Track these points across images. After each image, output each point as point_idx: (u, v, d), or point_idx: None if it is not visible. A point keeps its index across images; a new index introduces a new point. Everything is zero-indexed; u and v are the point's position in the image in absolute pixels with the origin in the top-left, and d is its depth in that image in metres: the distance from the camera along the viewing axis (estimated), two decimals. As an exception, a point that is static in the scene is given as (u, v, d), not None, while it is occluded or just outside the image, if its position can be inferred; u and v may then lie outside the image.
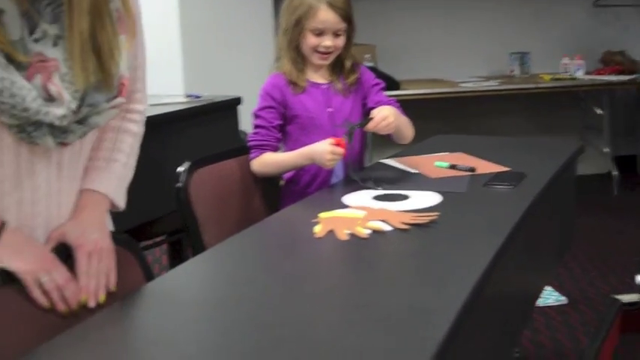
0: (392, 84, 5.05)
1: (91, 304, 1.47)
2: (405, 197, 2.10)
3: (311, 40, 2.37)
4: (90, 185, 1.56)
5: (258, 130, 2.41)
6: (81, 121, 1.43)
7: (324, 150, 2.21)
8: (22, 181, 1.42)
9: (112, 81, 1.46)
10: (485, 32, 6.01)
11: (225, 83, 4.22)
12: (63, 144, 1.43)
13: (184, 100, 3.65)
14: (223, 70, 4.44)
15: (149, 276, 1.65)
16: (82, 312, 1.45)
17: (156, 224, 3.08)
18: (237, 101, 3.65)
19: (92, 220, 1.53)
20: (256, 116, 2.43)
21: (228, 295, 1.51)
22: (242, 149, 2.48)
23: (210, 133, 3.45)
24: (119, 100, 1.50)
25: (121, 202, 1.61)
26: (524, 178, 2.28)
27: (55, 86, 1.38)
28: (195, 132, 3.37)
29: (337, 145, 2.20)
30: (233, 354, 1.22)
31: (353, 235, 1.77)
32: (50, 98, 1.37)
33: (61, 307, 1.43)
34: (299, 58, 2.41)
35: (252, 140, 2.42)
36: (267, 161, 2.39)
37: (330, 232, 1.80)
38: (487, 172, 2.38)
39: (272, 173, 2.44)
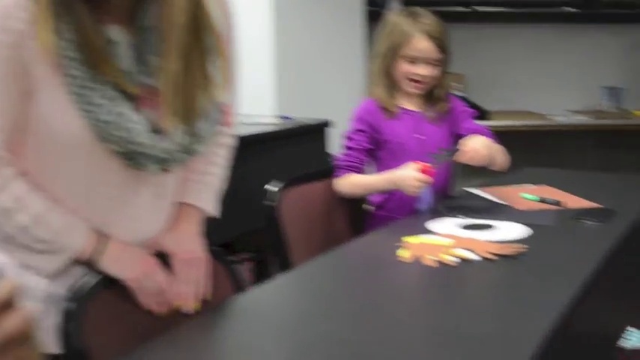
0: (481, 114, 5.04)
1: (186, 309, 1.54)
2: (492, 227, 2.11)
3: (404, 67, 2.41)
4: (186, 199, 1.63)
5: (347, 151, 2.46)
6: (184, 149, 1.48)
7: (409, 176, 2.24)
8: (127, 200, 1.49)
9: (216, 113, 1.51)
10: (578, 65, 5.94)
11: (316, 106, 4.29)
12: (165, 170, 1.50)
13: (276, 121, 3.73)
14: (315, 94, 4.52)
15: (238, 288, 1.71)
16: (176, 317, 1.52)
17: (241, 241, 3.16)
18: (325, 124, 3.71)
19: (187, 231, 1.60)
20: (347, 138, 2.48)
21: (313, 312, 1.55)
22: (330, 171, 2.53)
23: (299, 154, 3.52)
24: (222, 128, 1.56)
25: (215, 212, 1.67)
26: (614, 215, 2.26)
27: (167, 120, 1.42)
28: (284, 152, 3.44)
29: (423, 171, 2.23)
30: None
31: (438, 262, 1.80)
32: (158, 130, 1.43)
33: (159, 310, 1.50)
34: (391, 84, 2.46)
35: (340, 161, 2.47)
36: (352, 182, 2.44)
37: (415, 258, 1.82)
38: (575, 207, 2.37)
39: (356, 194, 2.48)
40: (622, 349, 3.15)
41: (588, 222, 2.19)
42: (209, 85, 1.47)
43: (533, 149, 5.83)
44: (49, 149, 1.41)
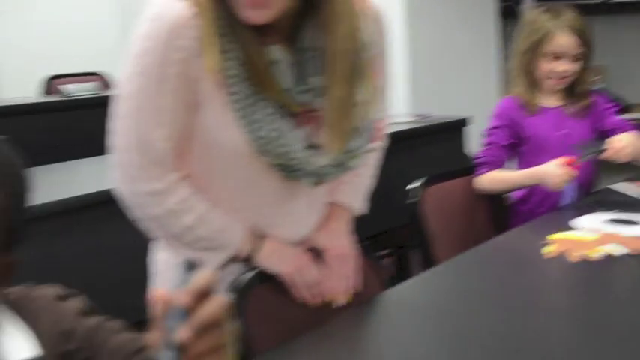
0: (622, 107, 4.92)
1: (338, 303, 1.60)
2: (638, 223, 2.08)
3: (546, 64, 2.40)
4: (338, 198, 1.69)
5: (487, 147, 2.47)
6: (338, 165, 1.54)
7: (555, 172, 2.23)
8: (282, 208, 1.57)
9: (369, 129, 1.56)
10: None
11: (450, 104, 4.30)
12: (319, 183, 1.56)
13: (412, 118, 3.76)
14: (449, 91, 4.53)
15: (385, 284, 1.76)
16: (328, 311, 1.59)
17: (381, 238, 3.21)
18: (463, 122, 3.71)
19: (338, 228, 1.67)
20: (487, 134, 2.49)
21: (460, 307, 1.59)
22: (470, 169, 2.55)
23: (436, 152, 3.54)
24: (375, 144, 1.62)
25: (363, 210, 1.73)
26: None
27: (322, 137, 1.49)
28: (422, 151, 3.47)
29: (568, 165, 2.22)
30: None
31: (585, 258, 1.79)
32: (315, 147, 1.49)
33: (312, 302, 1.57)
34: (532, 81, 2.45)
35: (480, 157, 2.48)
36: (494, 178, 2.45)
37: (560, 254, 1.83)
38: None
39: (498, 190, 2.49)
40: None
41: None
42: (366, 105, 1.52)
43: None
44: (212, 157, 1.51)
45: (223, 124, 1.46)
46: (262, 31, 1.44)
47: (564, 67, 2.39)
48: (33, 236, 0.98)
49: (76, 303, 1.13)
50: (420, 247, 2.37)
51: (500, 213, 2.58)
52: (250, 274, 1.54)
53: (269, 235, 1.57)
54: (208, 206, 1.53)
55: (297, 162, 1.48)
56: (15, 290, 1.07)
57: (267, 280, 1.55)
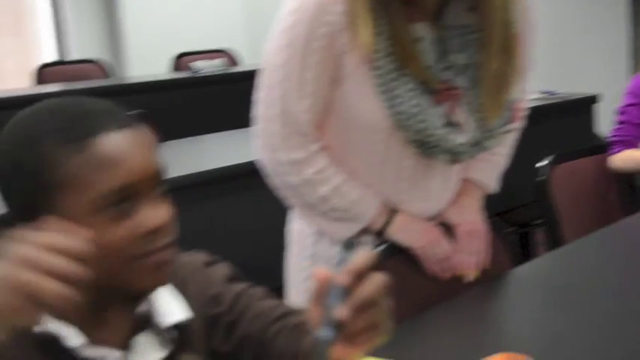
0: None
1: (468, 278, 1.61)
2: None
3: None
4: (472, 174, 1.69)
5: (621, 126, 2.42)
6: (474, 144, 1.55)
7: None
8: (416, 183, 1.59)
9: (510, 109, 1.56)
10: None
11: (578, 82, 4.20)
12: (455, 161, 1.57)
13: (539, 95, 3.70)
14: (576, 68, 4.43)
15: (514, 261, 1.76)
16: (457, 286, 1.60)
17: (507, 215, 3.18)
18: (592, 99, 3.62)
19: (470, 205, 1.67)
20: (621, 112, 2.44)
21: (589, 286, 1.57)
22: (600, 148, 2.50)
23: (564, 130, 3.47)
24: (513, 125, 1.61)
25: (494, 187, 1.73)
26: None
27: (462, 114, 1.51)
28: (548, 128, 3.41)
29: None
30: (601, 344, 1.29)
31: None
32: (453, 125, 1.51)
33: (443, 276, 1.59)
34: None
35: (614, 136, 2.43)
36: (628, 157, 2.40)
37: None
38: None
39: (631, 170, 2.43)
40: None
41: None
42: (513, 82, 1.53)
43: None
44: (349, 131, 1.55)
45: (364, 98, 1.50)
46: (410, 9, 1.47)
47: None
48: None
49: (222, 269, 1.19)
50: (546, 226, 2.35)
51: (632, 194, 2.53)
52: (382, 247, 1.57)
53: (401, 210, 1.60)
54: (344, 178, 1.56)
55: (435, 139, 1.50)
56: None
57: (398, 253, 1.58)
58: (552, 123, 3.45)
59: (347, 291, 0.84)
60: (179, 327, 1.08)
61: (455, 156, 1.54)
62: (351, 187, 1.57)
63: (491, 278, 1.63)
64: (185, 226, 1.11)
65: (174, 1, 5.81)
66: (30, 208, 0.99)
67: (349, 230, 1.59)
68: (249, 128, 2.91)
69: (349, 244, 0.89)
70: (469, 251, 1.62)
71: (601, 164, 2.47)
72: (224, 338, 1.15)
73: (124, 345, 1.03)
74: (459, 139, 1.52)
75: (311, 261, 1.65)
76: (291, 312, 1.17)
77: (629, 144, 2.40)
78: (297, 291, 1.69)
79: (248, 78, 4.22)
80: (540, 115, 3.42)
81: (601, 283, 1.59)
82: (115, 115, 1.01)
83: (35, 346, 0.99)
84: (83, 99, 1.04)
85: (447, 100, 1.50)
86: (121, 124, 1.00)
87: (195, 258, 1.18)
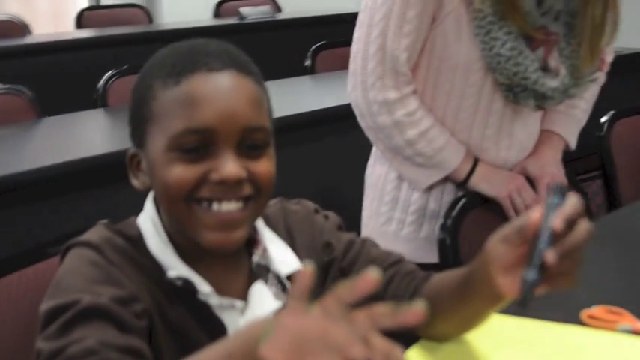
0: None
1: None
2: None
3: None
4: (550, 127, 1.72)
5: None
6: (564, 90, 1.58)
7: None
8: (502, 129, 1.62)
9: (598, 58, 1.59)
10: None
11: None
12: (540, 107, 1.60)
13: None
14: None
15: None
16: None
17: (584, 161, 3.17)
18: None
19: (550, 156, 1.70)
20: None
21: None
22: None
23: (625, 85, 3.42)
24: (598, 74, 1.63)
25: (574, 144, 1.74)
26: None
27: (555, 60, 1.55)
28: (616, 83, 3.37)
29: None
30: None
31: None
32: (547, 70, 1.54)
33: None
34: None
35: None
36: None
37: None
38: None
39: None
40: None
41: None
42: (607, 32, 1.56)
43: None
44: (441, 73, 1.58)
45: (462, 38, 1.53)
46: None
47: None
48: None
49: (332, 217, 1.21)
50: (605, 183, 2.35)
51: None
52: (468, 197, 1.59)
53: (483, 159, 1.61)
54: (433, 123, 1.59)
55: (529, 82, 1.53)
56: (272, 204, 1.14)
57: (482, 203, 1.60)
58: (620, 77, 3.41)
59: (555, 235, 0.89)
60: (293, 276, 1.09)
61: (543, 101, 1.57)
62: (438, 133, 1.59)
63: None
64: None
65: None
66: (135, 135, 1.04)
67: (430, 178, 1.62)
68: (300, 77, 2.91)
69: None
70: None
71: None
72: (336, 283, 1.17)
73: (243, 295, 1.06)
74: (552, 83, 1.55)
75: (390, 206, 1.67)
76: (402, 259, 1.19)
77: None
78: (375, 236, 1.72)
79: (297, 25, 4.27)
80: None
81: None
82: (223, 58, 1.00)
83: (172, 289, 1.02)
84: (210, 40, 1.05)
85: (542, 45, 1.53)
86: (221, 65, 0.99)
87: (303, 206, 1.19)
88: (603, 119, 2.33)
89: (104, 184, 2.16)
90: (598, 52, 1.57)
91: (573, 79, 1.57)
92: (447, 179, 1.63)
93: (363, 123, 1.64)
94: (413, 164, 1.61)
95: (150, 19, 4.93)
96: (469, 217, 1.59)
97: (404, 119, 1.57)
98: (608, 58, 1.70)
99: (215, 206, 0.98)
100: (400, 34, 1.54)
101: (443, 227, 1.58)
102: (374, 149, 1.73)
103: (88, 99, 2.87)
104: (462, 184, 1.63)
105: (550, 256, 0.89)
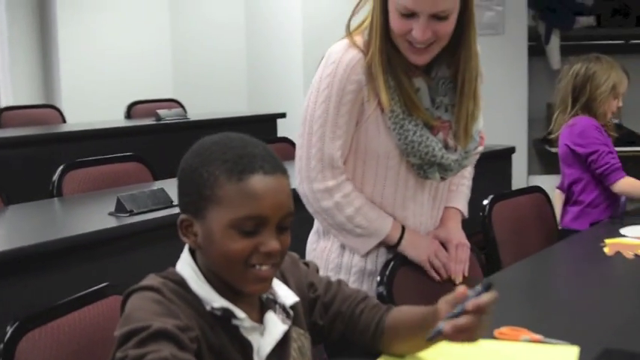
0: (635, 139, 5.45)
1: (457, 281, 2.11)
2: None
3: (611, 103, 3.14)
4: (451, 204, 2.22)
5: (607, 156, 3.12)
6: (460, 161, 2.08)
7: None
8: (415, 200, 2.09)
9: (477, 137, 2.10)
10: None
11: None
12: (443, 179, 2.09)
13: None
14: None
15: (483, 272, 2.28)
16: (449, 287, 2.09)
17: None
18: (512, 150, 4.25)
19: (455, 226, 2.19)
20: (597, 146, 3.11)
21: (548, 288, 2.11)
22: (530, 189, 3.07)
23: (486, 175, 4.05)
24: (480, 148, 2.16)
25: (467, 213, 2.26)
26: None
27: (451, 140, 2.04)
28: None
29: None
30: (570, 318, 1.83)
31: (636, 256, 2.33)
32: (447, 148, 2.03)
33: (440, 280, 2.09)
34: (595, 113, 3.17)
35: (608, 165, 3.09)
36: (633, 184, 3.10)
37: (617, 253, 2.36)
38: None
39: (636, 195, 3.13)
40: None
41: None
42: (477, 117, 2.08)
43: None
44: (366, 162, 2.04)
45: (381, 134, 2.01)
46: (409, 68, 1.99)
47: (620, 103, 3.08)
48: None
49: (312, 264, 1.64)
50: (488, 253, 2.85)
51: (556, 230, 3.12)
52: (397, 258, 2.06)
53: (406, 225, 2.08)
54: (364, 201, 2.05)
55: (436, 158, 2.00)
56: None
57: (410, 262, 2.08)
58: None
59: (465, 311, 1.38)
60: (292, 307, 1.49)
61: (445, 173, 2.06)
62: (369, 208, 2.05)
63: (470, 282, 2.14)
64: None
65: (109, 58, 6.12)
66: (191, 207, 1.40)
67: (368, 244, 2.06)
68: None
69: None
70: (459, 260, 2.13)
71: (530, 202, 3.04)
72: (321, 315, 1.59)
73: (259, 321, 1.45)
74: (453, 157, 2.04)
75: (335, 271, 2.10)
76: (368, 295, 1.63)
77: (622, 169, 3.07)
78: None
79: (205, 126, 4.70)
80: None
81: (553, 284, 2.13)
82: (269, 160, 1.38)
83: (212, 319, 1.39)
84: (245, 140, 1.42)
85: (440, 130, 2.03)
86: (272, 169, 1.37)
87: (289, 256, 1.57)
88: (485, 202, 2.87)
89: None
90: (472, 133, 2.05)
91: (465, 154, 2.07)
92: (380, 244, 2.08)
93: (310, 209, 2.07)
94: (354, 235, 2.06)
95: (63, 118, 5.24)
96: (400, 273, 2.06)
97: (342, 200, 2.03)
98: (483, 137, 2.18)
99: (260, 267, 1.39)
100: (334, 137, 2.00)
101: (380, 283, 2.03)
102: (313, 231, 2.16)
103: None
104: (393, 247, 2.08)
105: (447, 324, 1.38)
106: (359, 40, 1.99)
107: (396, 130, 1.99)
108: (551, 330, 1.67)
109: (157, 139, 4.43)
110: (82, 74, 5.92)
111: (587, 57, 3.18)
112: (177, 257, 1.45)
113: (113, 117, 5.29)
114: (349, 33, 2.01)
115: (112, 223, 2.59)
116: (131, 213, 2.64)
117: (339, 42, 2.02)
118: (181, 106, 5.43)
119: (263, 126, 5.11)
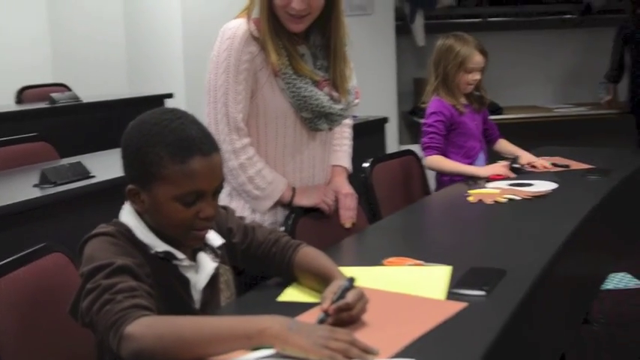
0: (496, 109, 5.99)
1: (348, 226, 2.49)
2: (530, 185, 3.01)
3: (465, 76, 3.42)
4: (337, 162, 2.59)
5: (432, 135, 3.37)
6: (344, 113, 2.46)
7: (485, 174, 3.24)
8: (308, 151, 2.44)
9: (353, 92, 2.48)
10: (578, 64, 6.85)
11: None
12: (330, 129, 2.46)
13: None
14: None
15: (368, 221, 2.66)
16: (343, 232, 2.46)
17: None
18: (385, 120, 4.66)
19: (342, 180, 2.57)
20: (429, 125, 3.40)
21: (420, 229, 2.54)
22: (402, 153, 3.48)
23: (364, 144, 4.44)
24: (357, 100, 2.53)
25: (351, 169, 2.63)
26: (609, 173, 3.15)
27: (335, 93, 2.41)
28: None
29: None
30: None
31: (494, 202, 2.76)
32: (333, 99, 2.40)
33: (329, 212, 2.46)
34: (451, 88, 3.45)
35: (427, 143, 3.36)
36: (441, 162, 3.33)
37: (479, 200, 2.79)
38: (580, 168, 3.31)
39: (443, 172, 3.38)
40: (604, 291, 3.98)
41: (590, 177, 3.12)
42: (349, 77, 2.46)
43: (541, 138, 6.67)
44: (266, 124, 2.37)
45: (276, 96, 2.35)
46: (294, 37, 2.36)
47: (477, 77, 3.38)
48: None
49: (230, 208, 1.93)
50: (370, 208, 3.20)
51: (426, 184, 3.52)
52: (295, 211, 2.40)
53: (301, 178, 2.43)
54: (264, 164, 2.38)
55: (325, 109, 2.37)
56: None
57: (305, 213, 2.42)
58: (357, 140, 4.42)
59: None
60: (219, 248, 1.79)
61: (332, 123, 2.43)
62: (268, 171, 2.38)
63: (357, 228, 2.51)
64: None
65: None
66: (137, 180, 1.65)
67: (266, 204, 2.38)
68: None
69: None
70: (349, 208, 2.50)
71: (405, 163, 3.43)
72: (241, 260, 1.89)
73: (192, 260, 1.73)
74: (338, 107, 2.42)
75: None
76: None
77: (439, 149, 3.33)
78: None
79: (97, 108, 4.86)
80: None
81: (428, 225, 2.54)
82: (205, 141, 1.61)
83: (159, 259, 1.65)
84: (182, 119, 1.63)
85: (324, 86, 2.40)
86: (208, 150, 1.60)
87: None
88: (365, 165, 3.22)
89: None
90: (347, 89, 2.43)
91: (346, 104, 2.44)
92: (277, 203, 2.39)
93: None
94: (252, 197, 2.36)
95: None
96: (300, 222, 2.39)
97: (246, 162, 2.33)
98: (358, 92, 2.55)
99: (200, 230, 1.66)
100: (236, 102, 2.31)
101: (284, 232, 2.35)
102: (225, 193, 2.40)
103: None
104: (288, 205, 2.41)
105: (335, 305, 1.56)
106: (249, 18, 2.34)
107: (289, 89, 2.35)
108: (429, 258, 2.04)
109: (53, 122, 4.57)
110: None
111: (448, 35, 3.47)
112: (99, 222, 1.67)
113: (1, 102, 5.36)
114: (241, 12, 2.37)
115: (39, 193, 2.83)
116: (55, 184, 2.88)
117: (232, 20, 2.37)
118: (70, 90, 5.53)
119: (151, 106, 5.26)
